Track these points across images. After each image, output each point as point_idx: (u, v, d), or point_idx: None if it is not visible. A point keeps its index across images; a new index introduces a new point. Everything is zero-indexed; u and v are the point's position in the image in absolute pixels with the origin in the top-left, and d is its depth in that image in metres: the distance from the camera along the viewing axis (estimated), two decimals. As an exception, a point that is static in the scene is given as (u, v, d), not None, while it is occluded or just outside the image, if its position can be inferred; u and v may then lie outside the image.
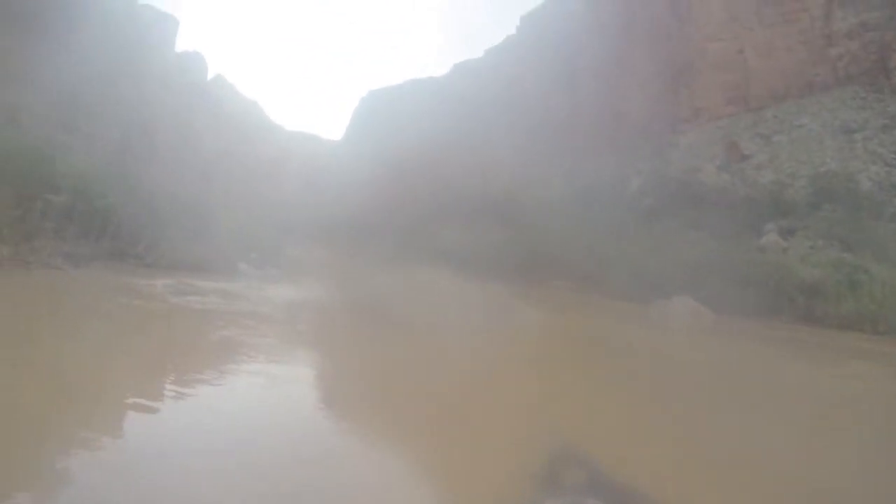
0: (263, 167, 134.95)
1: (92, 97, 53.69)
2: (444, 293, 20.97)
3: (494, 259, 35.59)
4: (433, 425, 5.00)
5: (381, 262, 38.36)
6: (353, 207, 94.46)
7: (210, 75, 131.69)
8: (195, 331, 7.39)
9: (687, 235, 32.01)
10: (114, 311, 7.95)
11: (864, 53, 52.02)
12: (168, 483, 3.36)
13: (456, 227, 52.76)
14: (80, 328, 6.58)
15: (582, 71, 78.71)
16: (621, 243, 33.25)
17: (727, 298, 23.02)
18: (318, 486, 3.53)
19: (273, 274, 17.12)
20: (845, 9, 54.27)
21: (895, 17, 49.94)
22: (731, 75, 59.67)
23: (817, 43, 55.55)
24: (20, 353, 5.26)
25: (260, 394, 5.40)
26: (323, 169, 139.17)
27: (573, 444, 4.19)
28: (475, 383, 6.84)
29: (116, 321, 7.35)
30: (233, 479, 3.51)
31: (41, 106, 45.79)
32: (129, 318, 7.69)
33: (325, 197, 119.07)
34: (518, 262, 34.32)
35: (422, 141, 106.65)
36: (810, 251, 28.62)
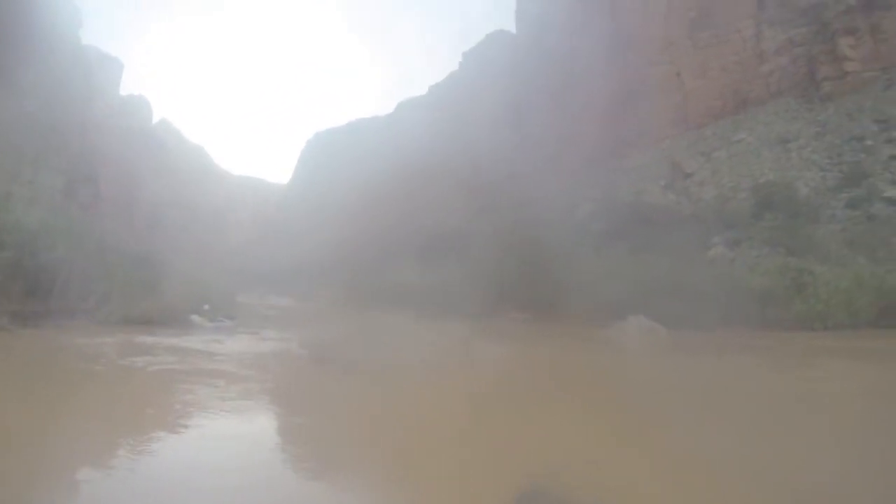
0: (211, 214, 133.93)
1: (36, 143, 52.31)
2: (400, 335, 20.85)
3: (450, 295, 35.57)
4: (402, 471, 4.96)
5: (335, 306, 38.07)
6: (304, 251, 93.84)
7: (155, 119, 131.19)
8: (142, 395, 7.22)
9: (638, 256, 32.46)
10: (58, 374, 7.75)
11: (794, 68, 54.37)
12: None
13: (409, 266, 52.63)
14: (22, 396, 6.40)
15: (527, 101, 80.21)
16: (575, 269, 33.52)
17: (681, 314, 23.28)
18: None
19: (226, 325, 16.87)
20: (774, 27, 56.85)
21: (821, 32, 52.42)
22: (671, 97, 61.60)
23: (750, 61, 57.91)
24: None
25: (218, 457, 5.23)
26: (272, 213, 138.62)
27: (541, 481, 4.16)
28: (439, 425, 6.80)
29: (61, 385, 7.17)
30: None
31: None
32: (76, 382, 7.51)
33: (275, 242, 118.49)
34: (473, 296, 34.33)
35: (370, 180, 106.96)
36: (757, 259, 29.30)
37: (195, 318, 16.17)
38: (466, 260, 44.82)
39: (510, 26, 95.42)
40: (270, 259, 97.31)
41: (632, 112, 63.99)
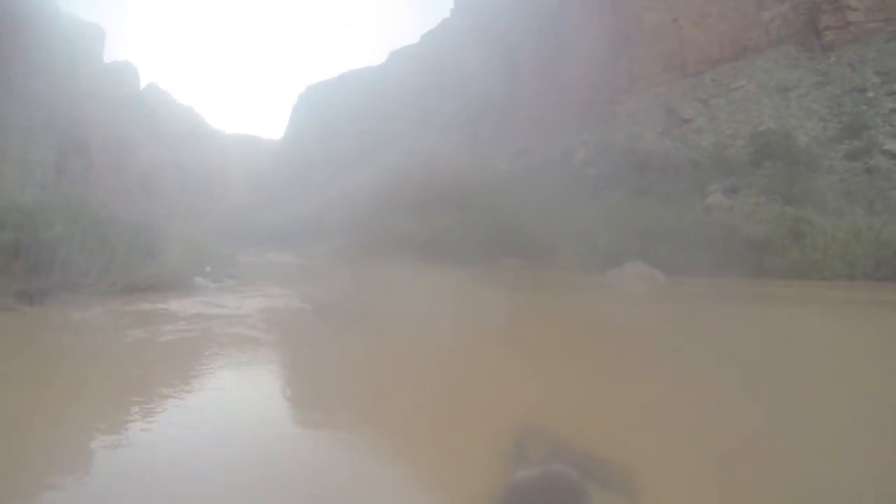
0: (206, 175, 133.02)
1: (23, 121, 51.54)
2: (400, 284, 20.90)
3: (448, 244, 35.58)
4: (406, 417, 5.01)
5: (335, 260, 38.10)
6: (301, 206, 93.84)
7: (143, 84, 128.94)
8: (150, 360, 7.09)
9: (634, 202, 32.35)
10: (71, 348, 7.58)
11: (795, 15, 53.26)
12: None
13: (406, 216, 52.60)
14: (52, 370, 6.22)
15: (521, 48, 78.92)
16: (570, 216, 33.44)
17: (678, 261, 23.38)
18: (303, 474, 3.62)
19: (229, 285, 16.78)
20: (775, -27, 55.44)
21: (824, -21, 51.11)
22: (667, 44, 60.48)
23: (749, 8, 56.66)
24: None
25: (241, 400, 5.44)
26: (267, 170, 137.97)
27: (536, 422, 4.25)
28: (439, 372, 6.79)
29: (74, 358, 7.02)
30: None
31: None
32: (87, 354, 7.35)
33: (272, 198, 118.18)
34: (471, 244, 34.28)
35: (364, 132, 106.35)
36: (754, 208, 29.16)
37: (198, 280, 16.01)
38: (462, 209, 44.71)
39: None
40: (268, 216, 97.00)
41: (627, 58, 63.01)
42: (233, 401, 5.26)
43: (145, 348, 7.44)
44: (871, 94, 39.11)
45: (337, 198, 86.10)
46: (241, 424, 4.53)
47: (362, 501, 3.27)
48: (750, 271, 22.32)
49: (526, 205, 39.76)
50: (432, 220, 46.97)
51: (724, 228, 24.71)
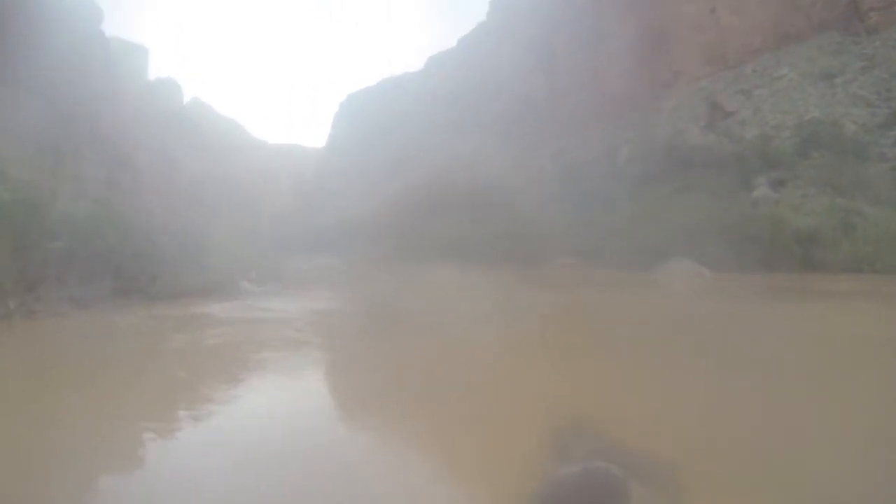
0: (250, 185, 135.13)
1: (73, 139, 53.62)
2: (448, 286, 21.00)
3: (493, 247, 35.75)
4: (451, 415, 5.18)
5: (379, 265, 38.41)
6: (345, 213, 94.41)
7: (186, 99, 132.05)
8: (198, 361, 7.48)
9: (680, 198, 32.16)
10: (121, 349, 8.06)
11: (836, -1, 52.00)
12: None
13: (450, 220, 52.72)
14: (85, 377, 6.69)
15: (558, 48, 78.57)
16: (616, 214, 33.43)
17: (725, 256, 23.21)
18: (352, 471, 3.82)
19: (273, 289, 17.25)
20: (815, -44, 54.22)
21: (864, -39, 49.82)
22: (707, 35, 59.70)
23: (789, -6, 55.52)
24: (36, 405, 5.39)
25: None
26: (310, 178, 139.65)
27: (582, 417, 4.35)
28: (484, 371, 6.96)
29: (125, 359, 7.51)
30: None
31: (25, 154, 45.72)
32: (138, 355, 7.81)
33: (316, 206, 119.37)
34: (517, 246, 34.45)
35: (405, 137, 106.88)
36: (802, 200, 28.80)
37: (244, 284, 16.66)
38: (507, 211, 44.77)
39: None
40: (312, 223, 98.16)
41: (666, 52, 62.34)
42: (275, 402, 5.53)
43: (190, 350, 7.91)
44: (921, 77, 38.14)
45: (380, 203, 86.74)
46: (283, 426, 4.77)
47: (406, 498, 3.44)
48: (798, 266, 22.09)
49: (570, 204, 39.82)
50: (477, 222, 47.18)
51: (770, 222, 24.44)
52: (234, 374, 6.58)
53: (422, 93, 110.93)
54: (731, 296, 16.82)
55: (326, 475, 3.69)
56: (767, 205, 29.18)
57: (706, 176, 35.17)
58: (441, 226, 51.30)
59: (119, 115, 65.42)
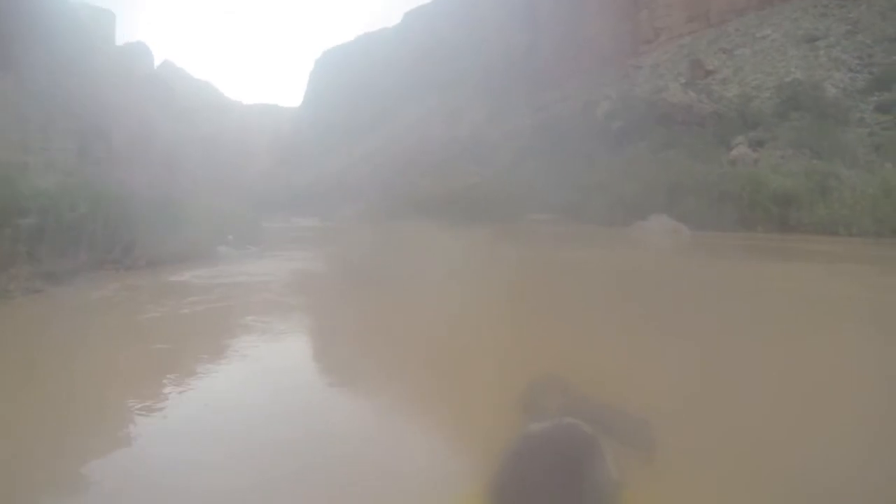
0: (227, 146, 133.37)
1: (43, 111, 52.05)
2: (423, 243, 20.76)
3: (472, 201, 35.46)
4: (424, 372, 5.07)
5: (357, 222, 38.04)
6: (323, 171, 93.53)
7: (157, 63, 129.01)
8: (176, 330, 7.12)
9: (659, 155, 32.04)
10: (100, 325, 7.67)
11: (825, -40, 51.53)
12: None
13: (429, 175, 52.35)
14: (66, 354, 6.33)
15: (539, 2, 77.29)
16: (594, 170, 33.23)
17: (703, 214, 23.23)
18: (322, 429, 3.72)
19: (253, 252, 16.86)
20: (802, -84, 53.50)
21: (853, -79, 49.27)
22: (691, -8, 59.02)
23: (776, -47, 54.92)
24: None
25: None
26: (288, 137, 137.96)
27: (553, 372, 4.09)
28: (458, 327, 6.78)
29: (106, 335, 7.15)
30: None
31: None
32: (117, 329, 7.44)
33: (293, 165, 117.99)
34: (496, 201, 34.20)
35: (383, 93, 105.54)
36: (781, 161, 28.71)
37: (222, 248, 16.18)
38: (484, 166, 44.49)
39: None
40: (291, 183, 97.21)
41: (649, 9, 61.63)
42: (256, 365, 5.34)
43: (167, 321, 7.44)
44: (903, 44, 38.06)
45: (358, 160, 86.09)
46: (267, 387, 4.66)
47: (376, 454, 3.37)
48: (775, 226, 22.10)
49: (550, 159, 39.54)
50: (455, 178, 46.83)
51: (749, 182, 24.27)
52: (214, 343, 6.22)
53: (399, 48, 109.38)
54: (708, 253, 16.70)
55: (312, 438, 3.60)
56: (746, 164, 29.15)
57: (685, 133, 35.09)
58: (419, 182, 50.93)
59: (89, 84, 63.43)
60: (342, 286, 10.61)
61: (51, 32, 56.24)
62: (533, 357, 5.34)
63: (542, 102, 63.27)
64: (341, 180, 77.21)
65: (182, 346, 6.26)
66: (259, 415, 3.97)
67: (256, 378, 4.89)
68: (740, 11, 55.00)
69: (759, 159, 29.83)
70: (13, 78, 47.10)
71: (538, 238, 22.45)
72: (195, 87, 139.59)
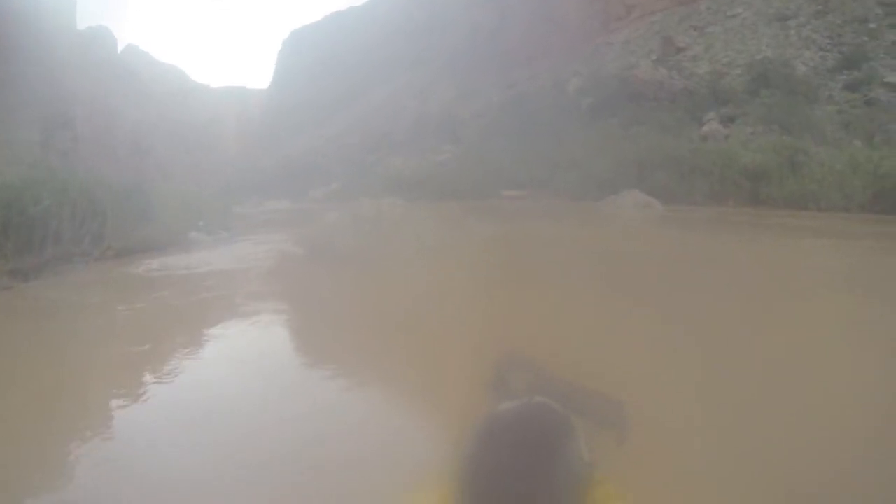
0: (196, 131, 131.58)
1: (7, 102, 50.46)
2: (394, 222, 20.78)
3: (441, 178, 35.34)
4: (392, 350, 5.07)
5: (328, 203, 37.88)
6: (293, 153, 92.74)
7: (121, 47, 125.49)
8: (151, 317, 6.92)
9: (630, 131, 32.00)
10: (68, 321, 7.22)
11: (794, -60, 51.71)
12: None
13: (400, 153, 52.17)
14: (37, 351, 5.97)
15: (510, -24, 76.76)
16: (565, 146, 33.09)
17: (675, 189, 23.27)
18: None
19: (225, 236, 16.60)
20: None
21: None
22: (662, -31, 58.94)
23: (747, -69, 54.99)
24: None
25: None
26: (257, 119, 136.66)
27: (521, 351, 4.01)
28: (426, 304, 6.87)
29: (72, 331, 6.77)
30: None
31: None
32: (88, 325, 7.09)
33: (263, 148, 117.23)
34: (467, 178, 34.03)
35: (352, 72, 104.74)
36: (751, 136, 28.82)
37: (193, 234, 15.86)
38: (455, 143, 44.21)
39: None
40: (261, 166, 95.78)
41: (621, -15, 61.54)
42: (231, 352, 5.21)
43: (139, 312, 7.25)
44: (872, 25, 38.32)
45: (328, 140, 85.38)
46: (242, 372, 4.56)
47: (341, 436, 3.35)
48: (747, 200, 22.24)
49: (520, 136, 39.35)
50: (426, 155, 46.55)
51: (720, 157, 24.36)
52: (191, 333, 6.06)
53: (368, 27, 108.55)
54: (680, 226, 16.84)
55: (278, 422, 3.59)
56: (717, 140, 29.26)
57: (656, 110, 35.07)
58: (391, 160, 50.65)
59: (51, 71, 61.66)
60: (313, 267, 10.52)
61: (7, 19, 54.41)
62: (502, 334, 5.26)
63: (511, 80, 62.98)
64: (311, 161, 76.39)
65: (154, 335, 6.07)
66: (231, 400, 3.94)
67: (227, 366, 4.78)
68: (711, -10, 55.13)
69: (730, 135, 29.88)
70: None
71: (508, 214, 22.45)
72: (161, 72, 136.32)
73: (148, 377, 4.46)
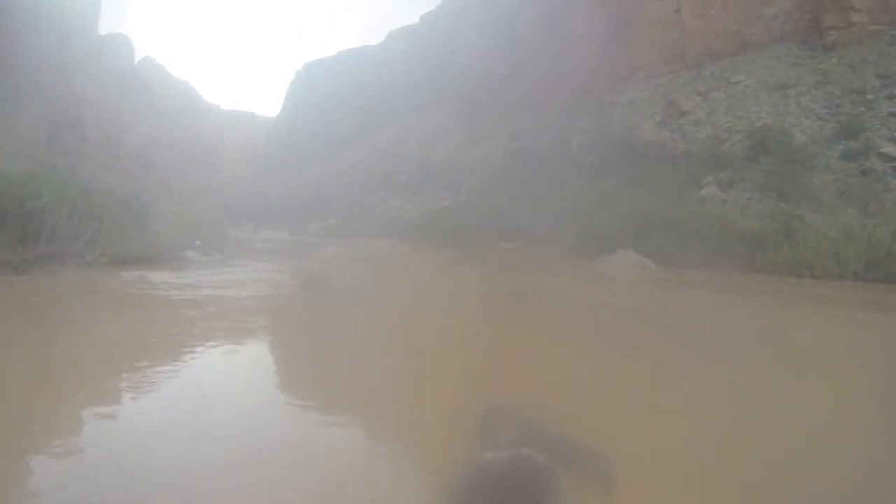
0: (201, 150, 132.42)
1: (13, 94, 50.82)
2: (390, 263, 20.73)
3: (441, 224, 35.50)
4: (379, 394, 4.95)
5: (326, 238, 37.87)
6: (295, 184, 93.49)
7: (138, 57, 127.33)
8: (135, 328, 7.10)
9: (629, 191, 32.33)
10: (55, 317, 7.45)
11: (798, 13, 53.09)
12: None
13: (401, 195, 52.38)
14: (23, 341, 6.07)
15: (521, 31, 78.41)
16: (565, 201, 33.41)
17: (671, 250, 23.38)
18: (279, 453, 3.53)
19: (218, 259, 16.70)
20: (780, -31, 55.25)
21: (828, -22, 50.95)
22: (669, 34, 60.29)
23: (753, 3, 56.44)
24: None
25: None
26: (263, 147, 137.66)
27: (508, 401, 4.15)
28: (416, 348, 6.83)
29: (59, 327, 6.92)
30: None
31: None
32: (75, 322, 7.24)
33: (266, 176, 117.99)
34: (465, 225, 34.23)
35: (361, 111, 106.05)
36: (748, 202, 29.22)
37: (189, 253, 15.99)
38: (456, 189, 44.54)
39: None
40: (261, 193, 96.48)
41: (628, 46, 62.78)
42: (208, 382, 5.12)
43: (120, 321, 7.30)
44: (870, 97, 39.10)
45: (331, 176, 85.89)
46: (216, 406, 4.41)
47: (325, 481, 3.21)
48: (741, 265, 22.30)
49: (522, 188, 39.73)
50: (427, 200, 46.86)
51: (717, 221, 24.59)
52: (171, 351, 5.93)
53: (380, 67, 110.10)
54: (674, 287, 16.85)
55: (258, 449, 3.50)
56: (715, 204, 29.58)
57: (657, 171, 35.51)
58: (391, 201, 50.94)
59: (66, 71, 62.23)
60: (307, 301, 10.45)
61: (30, 14, 54.97)
62: (491, 382, 5.28)
63: (517, 130, 63.82)
64: (312, 195, 76.79)
65: (129, 346, 6.02)
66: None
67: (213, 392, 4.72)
68: (716, 56, 56.29)
69: (728, 200, 30.28)
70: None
71: (505, 265, 22.56)
72: (174, 87, 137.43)
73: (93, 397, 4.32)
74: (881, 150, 33.13)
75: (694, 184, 33.31)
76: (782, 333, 9.18)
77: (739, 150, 37.05)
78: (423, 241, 30.55)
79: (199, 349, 6.01)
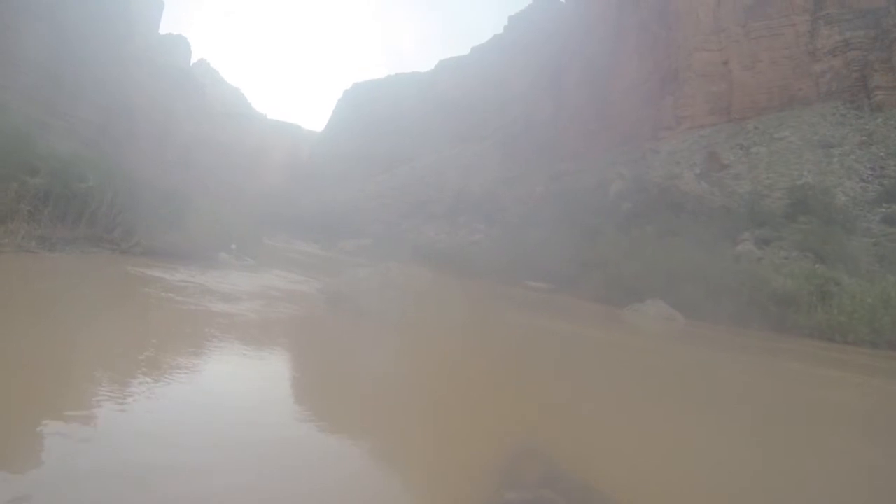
0: (244, 156, 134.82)
1: (74, 77, 52.69)
2: (420, 289, 20.66)
3: (474, 257, 35.62)
4: (405, 426, 4.94)
5: (358, 256, 38.09)
6: (332, 200, 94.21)
7: (193, 60, 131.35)
8: (157, 326, 7.08)
9: (664, 241, 32.16)
10: (81, 298, 7.68)
11: (847, 71, 52.84)
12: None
13: (436, 224, 52.65)
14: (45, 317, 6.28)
15: (568, 73, 79.05)
16: (599, 246, 33.38)
17: (700, 304, 23.11)
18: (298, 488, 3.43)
19: (250, 264, 16.82)
20: (830, 26, 55.19)
21: (878, 38, 50.75)
22: (716, 85, 60.29)
23: (801, 58, 56.36)
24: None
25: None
26: (304, 160, 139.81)
27: (533, 443, 4.25)
28: (445, 384, 6.82)
29: (82, 308, 7.12)
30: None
31: (23, 84, 44.85)
32: (98, 306, 7.41)
33: (304, 188, 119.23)
34: (496, 260, 34.34)
35: (404, 135, 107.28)
36: (784, 261, 28.80)
37: (222, 255, 16.26)
38: (491, 224, 44.72)
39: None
40: (298, 205, 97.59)
41: (673, 96, 62.86)
42: (221, 388, 5.11)
43: (145, 311, 7.50)
44: (915, 159, 38.67)
45: (369, 196, 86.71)
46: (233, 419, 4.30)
47: None
48: (771, 326, 21.88)
49: (556, 229, 39.78)
50: (461, 232, 47.13)
51: (751, 279, 24.26)
52: (194, 346, 6.17)
53: (428, 94, 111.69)
54: (701, 344, 16.61)
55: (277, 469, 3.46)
56: (750, 261, 29.23)
57: (693, 223, 35.33)
58: (426, 228, 51.29)
59: (124, 63, 64.13)
60: (325, 316, 10.63)
61: (97, 5, 56.75)
62: (515, 425, 5.29)
63: (557, 172, 64.10)
64: (348, 213, 77.57)
65: (150, 338, 6.20)
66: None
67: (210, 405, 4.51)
68: (761, 110, 56.12)
69: (763, 258, 29.98)
70: (52, 35, 47.32)
71: (533, 305, 22.50)
72: (225, 91, 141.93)
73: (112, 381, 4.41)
74: (925, 215, 32.62)
75: (729, 239, 33.05)
76: (807, 401, 9.10)
77: (779, 207, 36.78)
78: (452, 271, 30.61)
79: (213, 357, 6.01)
